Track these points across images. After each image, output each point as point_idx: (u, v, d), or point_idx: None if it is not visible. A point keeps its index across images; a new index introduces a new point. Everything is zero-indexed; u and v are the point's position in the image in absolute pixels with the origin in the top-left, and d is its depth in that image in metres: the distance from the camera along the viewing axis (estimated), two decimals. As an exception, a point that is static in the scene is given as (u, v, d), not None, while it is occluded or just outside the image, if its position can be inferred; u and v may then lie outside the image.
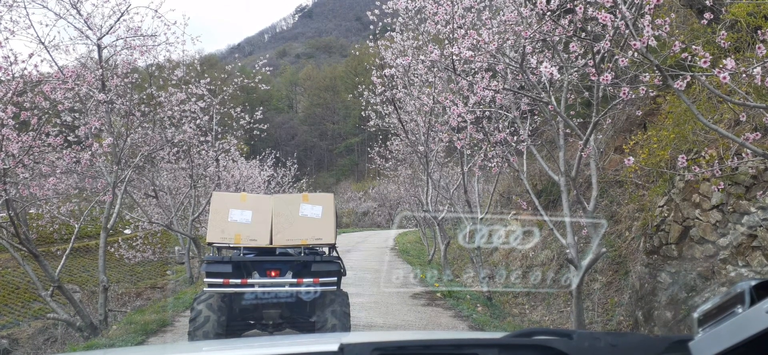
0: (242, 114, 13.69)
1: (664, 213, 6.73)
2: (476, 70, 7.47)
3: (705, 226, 5.89)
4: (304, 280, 5.26)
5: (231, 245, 5.48)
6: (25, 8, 8.66)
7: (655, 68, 4.03)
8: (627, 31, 4.11)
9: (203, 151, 12.99)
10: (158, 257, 20.90)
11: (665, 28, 4.65)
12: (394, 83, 10.64)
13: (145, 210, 14.40)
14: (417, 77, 10.05)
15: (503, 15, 6.64)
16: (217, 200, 5.66)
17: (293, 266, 5.36)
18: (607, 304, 7.89)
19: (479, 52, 5.97)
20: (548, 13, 5.14)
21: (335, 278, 5.37)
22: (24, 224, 11.46)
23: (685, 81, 4.36)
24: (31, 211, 13.50)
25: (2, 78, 7.80)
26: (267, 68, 13.45)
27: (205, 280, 5.34)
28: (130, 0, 9.30)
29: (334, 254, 5.75)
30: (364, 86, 12.88)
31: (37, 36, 9.03)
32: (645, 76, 4.48)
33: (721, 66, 3.59)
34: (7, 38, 8.31)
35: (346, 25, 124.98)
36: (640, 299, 6.94)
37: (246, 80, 13.11)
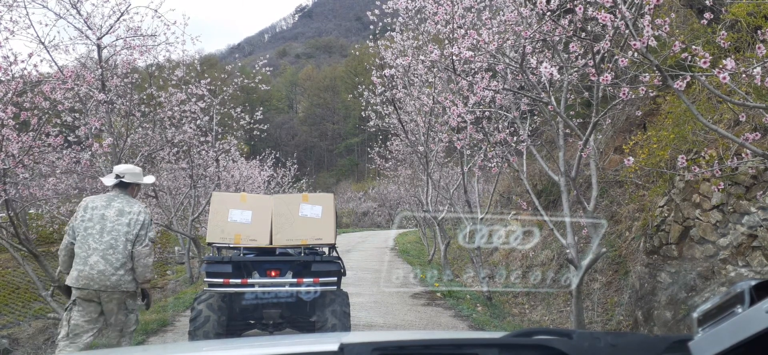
0: (242, 114, 13.69)
1: (664, 213, 6.73)
2: (476, 70, 7.48)
3: (705, 226, 5.89)
4: (304, 280, 5.25)
5: (231, 245, 5.48)
6: (25, 8, 8.65)
7: (655, 68, 4.03)
8: (627, 31, 4.11)
9: (203, 152, 12.98)
10: (158, 257, 20.89)
11: (665, 28, 4.65)
12: (394, 83, 10.65)
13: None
14: (417, 77, 10.05)
15: (503, 15, 6.64)
16: (217, 200, 5.66)
17: (293, 266, 5.36)
18: (607, 304, 7.89)
19: (479, 52, 5.97)
20: (548, 13, 5.14)
21: (335, 278, 5.37)
22: (24, 224, 11.47)
23: (685, 81, 4.36)
24: (31, 211, 13.50)
25: (2, 78, 7.79)
26: (267, 68, 13.45)
27: (205, 280, 5.34)
28: (130, 0, 9.29)
29: (334, 254, 5.75)
30: (364, 86, 12.89)
31: (37, 36, 8.99)
32: (645, 76, 4.48)
33: (721, 66, 3.60)
34: (7, 38, 8.30)
35: (346, 25, 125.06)
36: (640, 299, 6.94)
37: (246, 80, 13.10)
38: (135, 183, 4.85)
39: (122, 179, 4.76)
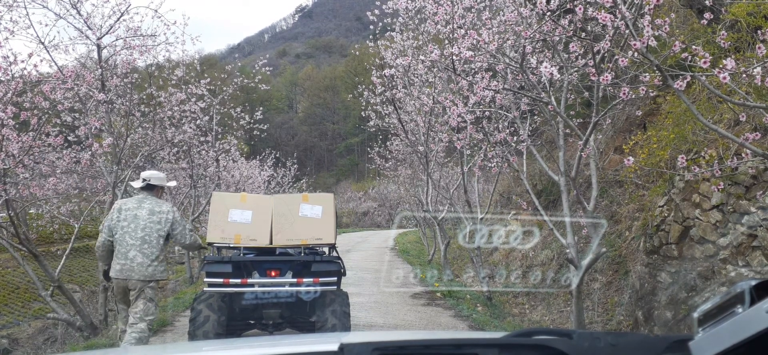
0: (242, 114, 13.68)
1: (664, 213, 6.73)
2: (476, 70, 7.47)
3: (705, 226, 5.89)
4: (304, 280, 5.25)
5: (231, 245, 5.48)
6: (25, 8, 8.65)
7: (655, 68, 4.03)
8: (627, 31, 4.11)
9: (203, 152, 12.98)
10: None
11: (665, 28, 4.65)
12: (394, 83, 10.64)
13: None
14: (417, 77, 10.05)
15: (503, 15, 6.64)
16: (217, 200, 5.65)
17: (293, 266, 5.36)
18: (607, 304, 7.89)
19: (479, 52, 5.97)
20: (548, 13, 5.14)
21: (335, 278, 5.37)
22: (24, 224, 11.47)
23: (685, 81, 4.37)
24: (31, 211, 13.50)
25: (2, 78, 7.79)
26: (267, 68, 13.43)
27: (205, 280, 5.34)
28: (130, 0, 9.29)
29: (334, 254, 5.74)
30: (364, 86, 12.88)
31: (37, 36, 8.99)
32: (645, 76, 4.48)
33: (721, 66, 3.60)
34: (7, 38, 8.30)
35: (346, 25, 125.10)
36: (640, 299, 6.94)
37: (246, 80, 13.09)
38: (160, 186, 5.55)
39: (149, 182, 5.44)
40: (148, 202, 5.33)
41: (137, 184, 5.55)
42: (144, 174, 5.57)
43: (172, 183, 6.63)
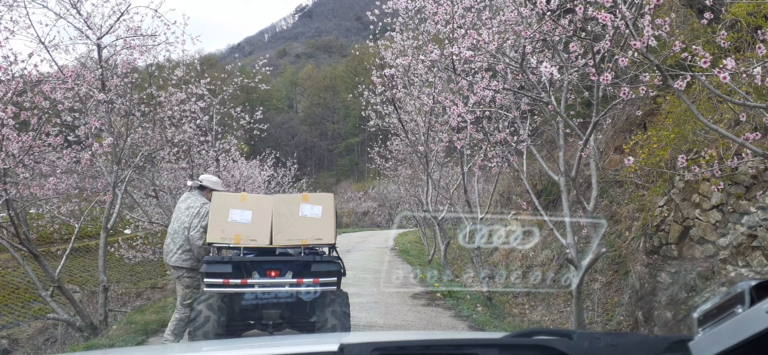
0: (242, 114, 13.67)
1: (664, 213, 6.73)
2: (476, 70, 7.47)
3: (705, 226, 5.89)
4: (304, 280, 5.25)
5: (231, 245, 5.48)
6: (25, 8, 8.65)
7: (655, 68, 4.03)
8: (627, 31, 4.11)
9: (203, 151, 12.97)
10: (158, 257, 20.79)
11: (665, 28, 4.65)
12: (394, 83, 10.64)
13: (145, 210, 14.40)
14: (417, 77, 10.05)
15: (503, 15, 6.64)
16: (217, 200, 5.65)
17: (293, 266, 5.35)
18: (607, 304, 7.89)
19: (479, 52, 5.97)
20: (548, 13, 5.14)
21: (335, 278, 5.36)
22: (24, 224, 11.46)
23: (685, 81, 4.36)
24: (31, 211, 13.49)
25: (2, 78, 7.80)
26: (267, 68, 13.42)
27: (205, 280, 5.34)
28: (130, 0, 9.29)
29: (334, 254, 5.74)
30: (364, 86, 12.87)
31: (37, 36, 8.96)
32: (645, 76, 4.48)
33: (721, 66, 3.60)
34: (7, 38, 8.29)
35: (346, 25, 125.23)
36: (640, 299, 6.94)
37: (246, 80, 13.09)
38: (210, 188, 6.12)
39: (201, 183, 6.12)
40: (191, 198, 5.95)
41: (191, 183, 6.33)
42: (201, 176, 6.35)
43: (222, 186, 7.25)
